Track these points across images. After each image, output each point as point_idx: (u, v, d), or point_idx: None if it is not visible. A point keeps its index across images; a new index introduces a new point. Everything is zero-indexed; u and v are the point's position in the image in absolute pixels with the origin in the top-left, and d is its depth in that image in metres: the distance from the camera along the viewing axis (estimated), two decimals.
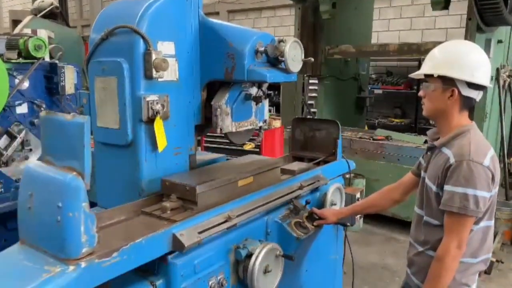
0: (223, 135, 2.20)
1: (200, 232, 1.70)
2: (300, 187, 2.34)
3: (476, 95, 1.90)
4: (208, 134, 4.08)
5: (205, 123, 2.22)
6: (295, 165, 2.62)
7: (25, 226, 1.47)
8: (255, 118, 2.31)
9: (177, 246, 1.63)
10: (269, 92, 2.30)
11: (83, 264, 1.35)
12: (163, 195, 1.97)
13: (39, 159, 3.39)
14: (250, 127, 2.28)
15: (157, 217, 1.81)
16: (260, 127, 2.37)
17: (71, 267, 1.33)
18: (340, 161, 2.81)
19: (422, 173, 2.06)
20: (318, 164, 2.75)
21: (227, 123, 2.12)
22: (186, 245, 1.61)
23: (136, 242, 1.49)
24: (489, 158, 1.82)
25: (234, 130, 2.17)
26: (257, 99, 2.23)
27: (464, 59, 1.86)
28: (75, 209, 1.34)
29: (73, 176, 1.35)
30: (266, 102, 2.37)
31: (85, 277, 1.35)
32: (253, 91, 2.23)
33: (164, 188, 1.97)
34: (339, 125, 2.78)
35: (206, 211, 1.83)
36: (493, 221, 1.95)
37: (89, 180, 1.39)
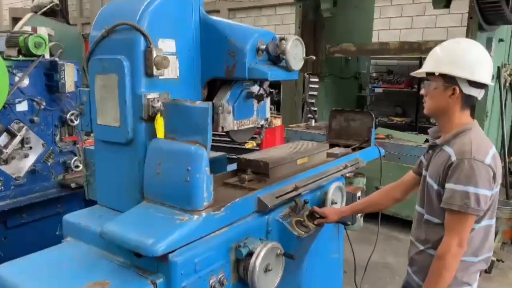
0: (223, 133, 2.19)
1: (277, 197, 2.09)
2: (345, 167, 2.70)
3: (478, 93, 1.89)
4: None
5: None
6: (337, 150, 2.95)
7: (152, 188, 1.83)
8: (256, 116, 2.30)
9: (262, 207, 2.03)
10: (271, 90, 2.29)
11: (204, 214, 1.74)
12: (238, 171, 2.36)
13: (45, 156, 3.38)
14: (251, 126, 2.28)
15: (239, 187, 2.17)
16: (262, 126, 2.37)
17: (196, 216, 1.72)
18: (373, 147, 3.13)
19: (423, 172, 2.05)
20: (353, 150, 3.06)
21: (228, 121, 2.12)
22: (269, 206, 2.02)
23: (235, 201, 1.91)
24: (491, 156, 1.82)
25: (235, 128, 2.17)
26: (259, 97, 2.22)
27: (465, 57, 1.86)
28: (200, 172, 1.71)
29: (198, 147, 1.73)
30: (267, 100, 2.36)
31: (205, 224, 1.75)
32: (255, 89, 2.23)
33: (240, 164, 2.37)
34: (373, 115, 3.13)
35: (278, 182, 2.21)
36: (494, 220, 1.95)
37: (209, 151, 1.76)
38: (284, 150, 2.69)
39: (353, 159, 2.85)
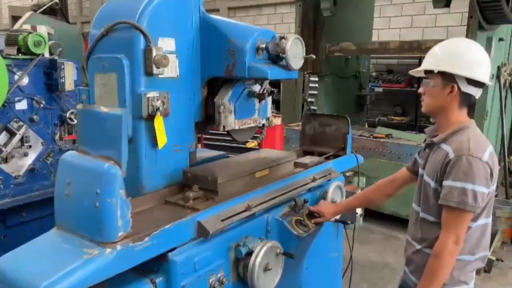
0: (224, 132, 2.18)
1: (222, 220, 1.80)
2: (313, 180, 2.44)
3: (476, 92, 1.91)
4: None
5: (207, 120, 2.21)
6: (307, 159, 2.69)
7: (62, 212, 1.56)
8: (258, 115, 2.29)
9: (202, 233, 1.73)
10: (272, 89, 2.28)
11: (119, 247, 1.44)
12: (184, 186, 2.07)
13: (45, 154, 3.38)
14: (253, 125, 2.27)
15: (181, 206, 1.91)
16: (263, 125, 2.36)
17: (108, 250, 1.42)
18: (349, 155, 2.90)
19: (420, 170, 2.07)
20: (328, 158, 2.84)
21: (230, 121, 2.10)
22: (210, 232, 1.72)
23: (165, 228, 1.60)
24: (488, 154, 1.83)
25: (237, 127, 2.15)
26: (260, 96, 2.21)
27: (464, 55, 1.88)
28: (112, 196, 1.43)
29: (110, 165, 1.45)
30: (269, 100, 2.35)
31: (120, 259, 1.44)
32: (256, 88, 2.22)
33: (186, 179, 2.07)
34: (349, 120, 2.86)
35: (227, 201, 1.92)
36: (490, 219, 1.97)
37: (125, 168, 1.48)
38: (244, 160, 2.42)
39: (323, 170, 2.59)
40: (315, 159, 2.72)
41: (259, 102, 2.26)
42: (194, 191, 1.97)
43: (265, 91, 2.23)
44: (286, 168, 2.48)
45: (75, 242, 1.47)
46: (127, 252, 1.46)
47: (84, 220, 1.48)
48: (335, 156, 2.87)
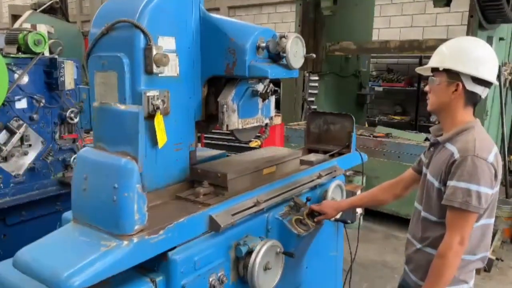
0: (224, 131, 2.18)
1: (233, 214, 1.86)
2: (319, 176, 2.49)
3: (481, 91, 1.89)
4: None
5: (207, 119, 2.20)
6: (312, 156, 2.74)
7: (79, 206, 1.59)
8: (261, 115, 2.28)
9: (214, 227, 1.79)
10: (275, 88, 2.26)
11: (135, 240, 1.48)
12: (194, 182, 2.10)
13: (45, 153, 3.38)
14: (256, 124, 2.25)
15: (192, 201, 1.94)
16: (266, 124, 2.35)
17: (125, 242, 1.46)
18: (354, 153, 2.93)
19: (424, 169, 2.05)
20: (333, 156, 2.87)
21: (233, 120, 2.09)
22: (222, 226, 1.77)
23: (179, 222, 1.66)
24: (493, 154, 1.82)
25: (240, 127, 2.14)
26: (264, 96, 2.19)
27: (470, 54, 1.86)
28: (129, 190, 1.47)
29: (127, 160, 1.49)
30: (272, 99, 2.33)
31: (137, 251, 1.49)
32: (260, 87, 2.20)
33: (195, 175, 2.11)
34: (353, 118, 2.89)
35: (236, 196, 1.99)
36: (493, 219, 1.95)
37: (142, 164, 1.51)
38: (251, 158, 2.46)
39: (329, 167, 2.64)
40: (320, 156, 2.76)
41: (263, 101, 2.25)
42: (205, 187, 2.01)
43: (268, 91, 2.21)
44: (292, 166, 2.52)
45: (93, 235, 1.51)
46: (143, 245, 1.51)
47: (101, 214, 1.51)
48: (339, 154, 2.90)
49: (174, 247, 1.66)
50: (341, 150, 2.91)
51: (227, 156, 2.62)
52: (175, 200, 1.99)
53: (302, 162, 2.62)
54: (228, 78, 2.12)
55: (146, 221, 1.53)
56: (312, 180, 2.45)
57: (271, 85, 2.25)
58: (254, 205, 1.98)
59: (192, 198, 1.96)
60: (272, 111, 2.37)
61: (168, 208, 1.89)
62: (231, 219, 1.83)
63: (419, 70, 2.13)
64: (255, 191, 2.08)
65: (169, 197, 1.99)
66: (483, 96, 1.92)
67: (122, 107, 1.57)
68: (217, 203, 1.89)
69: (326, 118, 3.00)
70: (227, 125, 2.07)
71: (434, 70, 1.95)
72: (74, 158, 3.61)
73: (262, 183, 2.18)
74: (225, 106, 2.04)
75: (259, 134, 2.45)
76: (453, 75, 1.87)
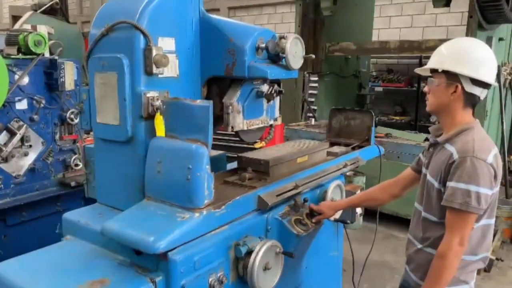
0: (223, 132, 2.19)
1: (277, 195, 2.11)
2: (345, 166, 2.71)
3: (480, 92, 1.89)
4: None
5: (213, 121, 2.21)
6: (336, 148, 2.97)
7: (154, 186, 1.83)
8: (266, 115, 2.28)
9: (262, 205, 2.04)
10: (280, 89, 2.25)
11: (204, 212, 1.75)
12: (238, 169, 2.38)
13: (45, 154, 3.38)
14: (261, 125, 2.25)
15: (239, 185, 2.19)
16: (271, 125, 2.35)
17: (197, 214, 1.73)
18: (373, 146, 3.15)
19: (423, 170, 2.06)
20: (353, 149, 3.06)
21: (238, 121, 2.09)
22: (269, 204, 2.03)
23: (236, 199, 1.92)
24: (493, 155, 1.82)
25: (245, 128, 2.14)
26: (269, 97, 2.19)
27: (469, 55, 1.86)
28: (201, 170, 1.72)
29: (199, 145, 1.74)
30: (277, 100, 2.33)
31: (206, 222, 1.76)
32: (265, 88, 2.19)
33: (240, 163, 2.39)
34: (373, 114, 3.14)
35: (278, 180, 2.23)
36: (493, 220, 1.95)
37: (211, 149, 1.77)
38: (285, 148, 2.69)
39: (352, 158, 2.86)
40: (343, 149, 2.98)
41: (267, 102, 2.24)
42: (249, 173, 2.26)
43: (273, 91, 2.21)
44: (320, 156, 2.79)
45: (168, 209, 1.76)
46: (210, 217, 1.77)
47: (175, 191, 1.76)
48: (359, 147, 3.11)
49: (174, 248, 1.66)
50: (362, 144, 3.13)
51: (227, 156, 2.63)
52: (223, 185, 2.20)
53: (329, 153, 2.86)
54: (233, 79, 2.12)
55: (213, 197, 1.78)
56: (339, 169, 2.66)
57: (276, 86, 2.24)
58: (294, 188, 2.22)
59: (239, 182, 2.20)
60: (277, 112, 2.37)
61: (220, 189, 2.08)
62: (276, 199, 2.08)
63: (418, 71, 2.13)
64: (294, 176, 2.33)
65: (218, 181, 2.13)
66: (482, 97, 1.91)
67: (194, 102, 1.81)
68: (262, 186, 2.13)
69: (347, 114, 3.26)
70: (232, 126, 2.07)
71: (433, 71, 1.95)
72: (75, 159, 3.62)
73: (298, 170, 2.43)
74: (230, 107, 2.04)
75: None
76: (452, 77, 1.87)
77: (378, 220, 3.08)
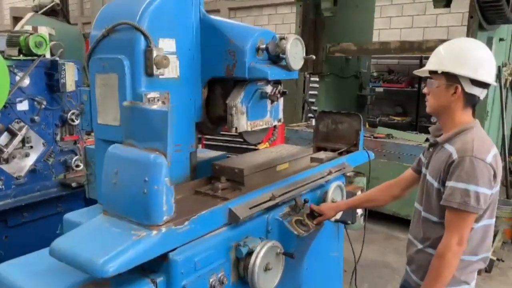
0: (223, 133, 2.19)
1: (251, 208, 1.94)
2: (329, 173, 2.55)
3: (480, 92, 1.89)
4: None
5: (217, 122, 2.21)
6: (322, 154, 2.81)
7: (109, 199, 1.68)
8: (270, 117, 2.27)
9: (233, 219, 1.86)
10: (284, 90, 2.24)
11: (163, 229, 1.58)
12: (211, 178, 2.19)
13: (46, 154, 3.39)
14: (265, 126, 2.25)
15: (211, 196, 2.03)
16: (275, 126, 2.34)
17: (154, 232, 1.56)
18: (361, 151, 2.98)
19: (423, 170, 2.06)
20: (341, 154, 2.93)
21: (242, 122, 2.08)
22: (241, 218, 1.86)
23: (202, 214, 1.75)
24: (492, 155, 1.82)
25: (249, 129, 2.13)
26: (273, 98, 2.18)
27: (468, 56, 1.86)
28: (159, 183, 1.56)
29: (157, 155, 1.57)
30: (281, 101, 2.31)
31: (164, 241, 1.58)
32: (268, 89, 2.19)
33: (214, 172, 2.21)
34: (361, 118, 2.97)
35: (253, 191, 2.06)
36: (494, 220, 1.95)
37: (170, 159, 1.60)
38: (264, 155, 2.54)
39: (338, 164, 2.70)
40: (330, 154, 2.84)
41: (271, 103, 2.24)
42: (223, 182, 2.09)
43: (277, 92, 2.20)
44: (303, 163, 2.61)
45: (124, 225, 1.60)
46: (171, 235, 1.60)
47: (132, 206, 1.60)
48: (347, 152, 2.97)
49: (174, 249, 1.66)
50: (349, 149, 2.98)
51: (227, 157, 2.63)
52: (194, 195, 2.07)
53: (313, 160, 2.69)
54: (236, 80, 2.12)
55: (174, 213, 1.63)
56: (323, 176, 2.51)
57: (279, 87, 2.24)
58: (270, 199, 2.06)
59: (211, 192, 2.05)
60: (281, 113, 2.35)
61: (189, 201, 1.96)
62: (249, 212, 1.92)
63: (417, 72, 2.13)
64: (270, 186, 2.16)
65: (189, 191, 2.07)
66: (481, 98, 1.92)
67: (151, 106, 1.66)
68: (235, 197, 1.97)
69: (334, 117, 3.08)
70: (236, 127, 2.06)
71: (432, 72, 1.95)
72: (76, 160, 3.63)
73: (277, 179, 2.26)
74: (234, 108, 2.03)
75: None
76: (451, 78, 1.87)
77: (379, 220, 3.08)
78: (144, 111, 1.66)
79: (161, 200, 1.57)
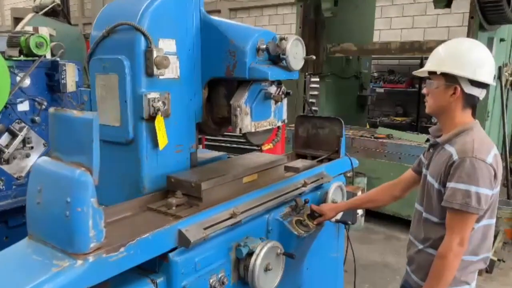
0: (225, 133, 2.18)
1: (205, 228, 1.72)
2: (304, 184, 2.36)
3: (479, 93, 1.89)
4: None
5: (221, 122, 2.20)
6: (299, 163, 2.63)
7: (34, 221, 1.47)
8: (274, 117, 2.25)
9: (183, 242, 1.64)
10: (288, 91, 2.22)
11: (91, 259, 1.36)
12: (168, 192, 1.99)
13: (46, 155, 3.40)
14: (269, 127, 2.23)
15: (163, 213, 1.82)
16: (279, 127, 2.32)
17: (79, 262, 1.34)
18: (343, 159, 2.82)
19: (424, 171, 2.06)
20: (321, 161, 2.76)
21: (246, 123, 2.05)
22: (191, 241, 1.63)
23: (142, 238, 1.51)
24: (492, 155, 1.82)
25: (253, 130, 2.11)
26: (277, 98, 2.16)
27: (466, 56, 1.86)
28: (83, 204, 1.35)
29: (81, 172, 1.36)
30: (285, 101, 2.29)
31: (93, 271, 1.36)
32: (272, 90, 2.17)
33: (169, 185, 1.98)
34: (343, 122, 2.78)
35: (211, 208, 1.84)
36: (494, 220, 1.95)
37: (97, 175, 1.38)
38: (232, 164, 2.35)
39: (315, 174, 2.50)
40: (307, 162, 2.64)
41: (275, 103, 2.22)
42: (178, 197, 1.88)
43: (281, 93, 2.19)
44: (276, 173, 2.38)
45: (46, 253, 1.39)
46: (101, 264, 1.38)
47: (55, 230, 1.39)
48: (329, 159, 2.79)
49: (174, 249, 1.66)
50: (330, 156, 2.80)
51: (228, 157, 2.62)
52: (145, 212, 1.86)
53: (287, 169, 2.49)
54: (240, 81, 2.11)
55: (104, 238, 1.40)
56: (297, 188, 2.30)
57: (283, 87, 2.22)
58: (231, 217, 1.83)
59: (164, 209, 1.83)
60: (285, 114, 2.32)
61: (136, 220, 1.77)
62: (203, 233, 1.68)
63: (416, 73, 2.13)
64: (232, 202, 1.92)
65: (140, 208, 1.87)
66: (481, 98, 1.92)
67: (76, 113, 1.44)
68: (188, 215, 1.74)
69: (315, 122, 2.88)
70: (240, 128, 2.04)
71: (432, 72, 1.95)
72: None
73: (241, 193, 2.03)
74: (238, 109, 2.01)
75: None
76: (450, 79, 1.87)
77: (379, 221, 3.06)
78: (68, 119, 1.45)
79: (86, 224, 1.35)
